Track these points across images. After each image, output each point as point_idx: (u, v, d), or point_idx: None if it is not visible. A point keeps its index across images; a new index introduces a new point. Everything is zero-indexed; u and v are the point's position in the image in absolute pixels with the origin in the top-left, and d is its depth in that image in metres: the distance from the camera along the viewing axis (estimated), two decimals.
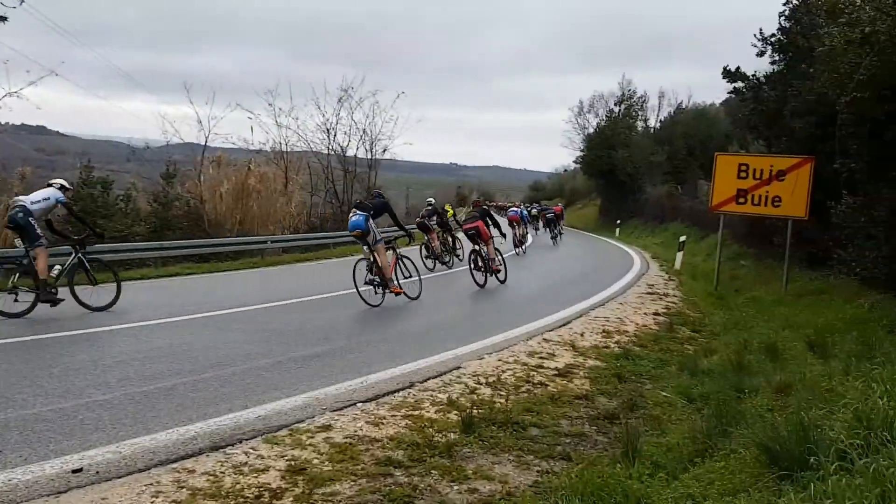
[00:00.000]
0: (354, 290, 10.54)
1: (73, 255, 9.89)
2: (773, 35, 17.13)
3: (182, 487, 3.87)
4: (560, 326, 9.18)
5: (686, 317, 10.64)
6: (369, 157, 37.51)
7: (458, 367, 6.67)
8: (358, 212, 11.07)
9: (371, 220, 10.93)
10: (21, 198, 9.65)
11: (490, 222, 14.20)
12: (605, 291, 13.07)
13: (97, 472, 4.05)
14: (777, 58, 17.30)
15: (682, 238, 19.24)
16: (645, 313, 10.62)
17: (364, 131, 36.57)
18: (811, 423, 3.42)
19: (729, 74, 16.94)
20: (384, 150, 37.11)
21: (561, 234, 31.34)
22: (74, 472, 4.04)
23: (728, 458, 3.64)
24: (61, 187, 9.86)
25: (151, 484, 3.91)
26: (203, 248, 19.27)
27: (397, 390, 5.81)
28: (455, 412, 5.16)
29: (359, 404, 5.39)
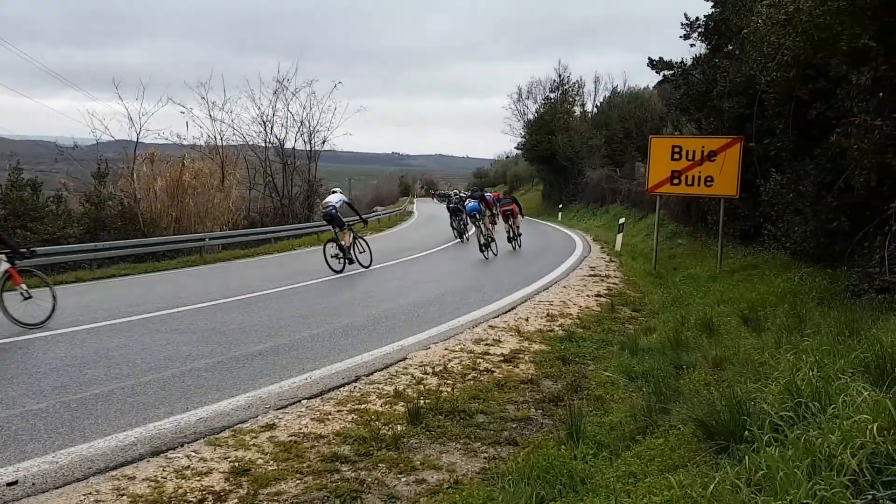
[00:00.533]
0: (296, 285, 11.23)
1: (350, 232, 14.97)
2: (698, 18, 17.57)
3: (122, 495, 3.77)
4: (505, 312, 9.26)
5: (627, 297, 10.85)
6: (308, 148, 37.08)
7: (405, 359, 6.66)
8: (473, 199, 19.17)
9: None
10: (329, 200, 15.36)
11: (520, 206, 20.18)
12: (548, 275, 13.23)
13: (33, 484, 3.92)
14: (702, 41, 17.78)
15: (622, 220, 19.61)
16: (587, 295, 10.79)
17: (302, 123, 36.14)
18: (745, 397, 3.53)
19: (654, 64, 17.33)
20: (324, 142, 36.73)
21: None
22: (9, 485, 3.91)
23: (667, 435, 3.73)
24: (341, 192, 16.20)
25: (90, 493, 3.81)
26: (139, 248, 18.75)
27: (343, 385, 5.77)
28: (402, 404, 5.15)
29: (303, 401, 5.33)
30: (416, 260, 17.23)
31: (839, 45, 8.20)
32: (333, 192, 16.18)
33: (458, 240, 22.85)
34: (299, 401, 5.35)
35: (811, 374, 3.51)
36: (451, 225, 23.91)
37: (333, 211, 14.84)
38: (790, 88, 10.14)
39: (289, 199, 35.92)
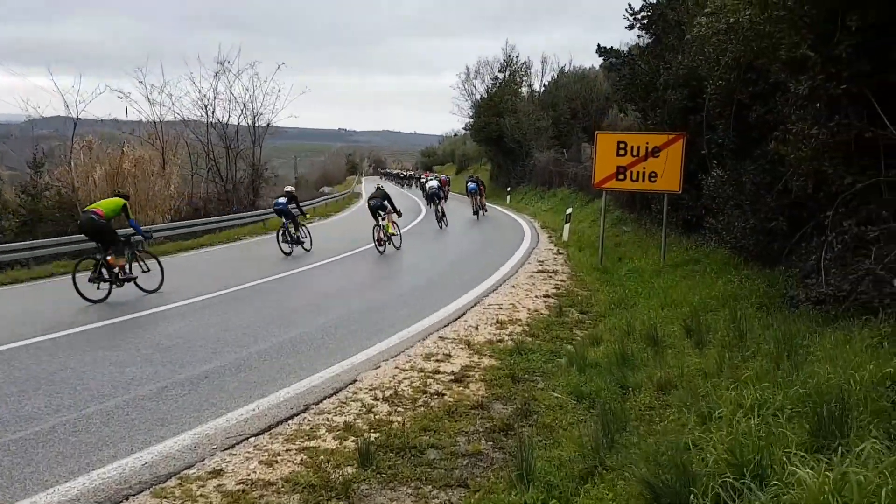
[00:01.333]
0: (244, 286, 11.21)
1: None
2: (642, 9, 17.72)
3: None
4: (455, 319, 9.27)
5: (574, 296, 10.98)
6: (252, 131, 36.35)
7: (355, 381, 6.60)
8: (472, 181, 29.09)
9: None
10: (432, 184, 26.53)
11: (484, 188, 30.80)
12: (498, 272, 13.31)
13: None
14: (645, 33, 17.98)
15: (569, 211, 19.80)
16: (536, 296, 10.88)
17: (244, 105, 35.37)
18: (689, 445, 3.62)
19: (604, 52, 17.46)
20: (268, 125, 36.03)
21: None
22: None
23: (615, 487, 3.78)
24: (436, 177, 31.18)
25: None
26: (78, 245, 18.07)
27: (292, 416, 5.68)
28: (352, 438, 5.11)
29: (251, 439, 5.23)
30: (364, 254, 17.11)
31: (779, 54, 8.36)
32: (436, 177, 30.18)
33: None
34: (247, 438, 5.25)
35: (752, 423, 3.60)
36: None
37: (434, 191, 25.59)
38: (731, 90, 10.33)
39: (233, 184, 35.23)
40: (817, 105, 8.07)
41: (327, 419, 5.61)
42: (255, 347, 7.92)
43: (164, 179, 29.55)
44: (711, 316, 8.01)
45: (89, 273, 11.19)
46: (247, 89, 37.31)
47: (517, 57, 48.52)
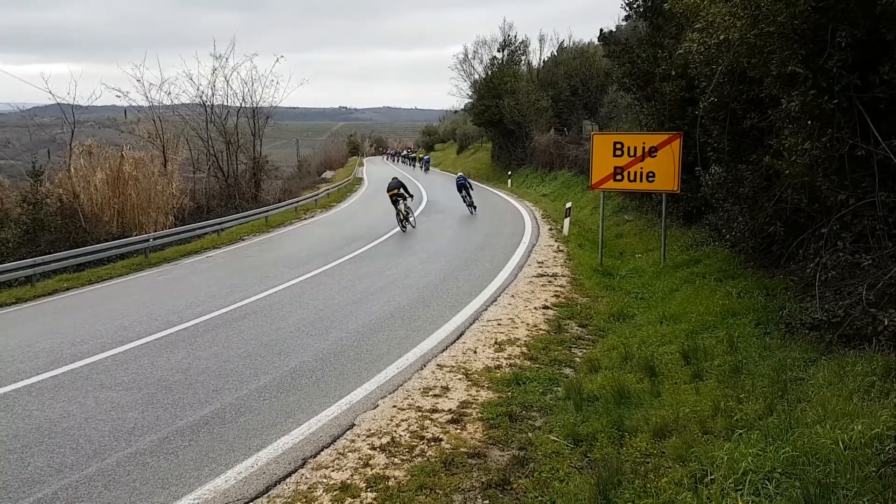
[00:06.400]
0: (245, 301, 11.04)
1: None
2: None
3: None
4: (454, 341, 9.27)
5: (573, 306, 10.98)
6: (252, 125, 36.36)
7: (353, 426, 6.63)
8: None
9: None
10: (460, 175, 28.76)
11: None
12: (497, 277, 13.29)
13: None
14: (643, 20, 17.79)
15: (568, 205, 19.72)
16: (535, 307, 10.88)
17: (243, 99, 35.33)
18: None
19: (604, 38, 17.35)
20: (267, 118, 35.99)
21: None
22: None
23: None
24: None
25: None
26: (82, 257, 18.18)
27: (290, 474, 5.71)
28: (349, 501, 5.17)
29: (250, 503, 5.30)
30: (364, 256, 17.13)
31: (770, 69, 8.26)
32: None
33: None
34: (246, 503, 5.31)
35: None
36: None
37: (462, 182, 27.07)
38: (725, 99, 10.22)
39: (234, 178, 35.26)
40: (808, 123, 7.98)
41: (325, 476, 5.64)
42: (254, 384, 7.95)
43: (166, 178, 29.57)
44: (709, 336, 7.99)
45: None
46: (245, 83, 37.19)
47: (515, 36, 48.14)
